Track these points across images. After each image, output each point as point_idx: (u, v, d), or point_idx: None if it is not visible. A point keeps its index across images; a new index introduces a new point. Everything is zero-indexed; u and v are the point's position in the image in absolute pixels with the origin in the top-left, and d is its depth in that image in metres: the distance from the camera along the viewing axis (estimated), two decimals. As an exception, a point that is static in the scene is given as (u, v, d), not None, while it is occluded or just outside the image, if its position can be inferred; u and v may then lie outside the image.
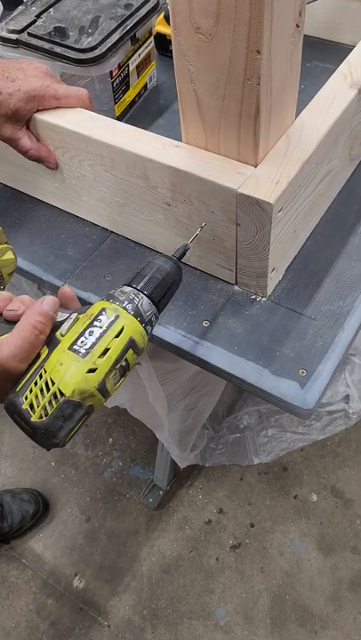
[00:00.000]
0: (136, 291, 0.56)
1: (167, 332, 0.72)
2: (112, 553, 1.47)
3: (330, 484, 1.52)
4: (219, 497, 1.53)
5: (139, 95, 1.01)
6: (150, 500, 1.52)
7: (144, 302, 0.56)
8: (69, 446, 1.61)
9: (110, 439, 1.64)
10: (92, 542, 1.48)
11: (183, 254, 0.64)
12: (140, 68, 0.98)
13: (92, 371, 0.50)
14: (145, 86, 1.02)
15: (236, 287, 0.75)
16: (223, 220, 0.67)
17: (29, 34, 0.87)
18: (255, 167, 0.65)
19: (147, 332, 0.55)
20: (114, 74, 0.91)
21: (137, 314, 0.54)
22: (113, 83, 0.92)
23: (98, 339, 0.51)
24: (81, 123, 0.73)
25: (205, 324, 0.72)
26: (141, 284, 0.57)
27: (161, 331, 0.72)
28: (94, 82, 0.92)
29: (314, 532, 1.46)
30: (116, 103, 0.95)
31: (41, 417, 0.48)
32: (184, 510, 1.51)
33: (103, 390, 0.50)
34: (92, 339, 0.50)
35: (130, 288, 0.57)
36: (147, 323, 0.55)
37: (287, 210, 0.66)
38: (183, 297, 0.75)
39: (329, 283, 0.75)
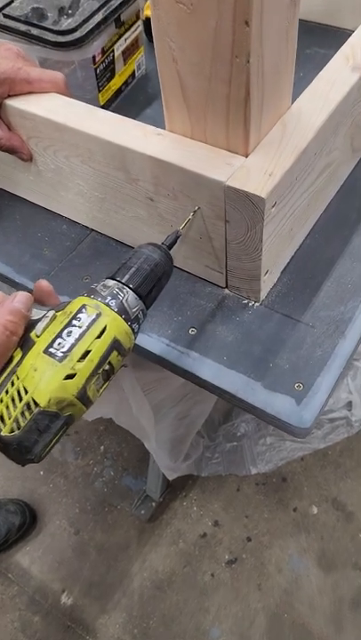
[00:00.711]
0: (120, 284, 0.49)
1: (149, 340, 0.65)
2: (102, 568, 1.40)
3: (331, 497, 1.45)
4: (214, 509, 1.46)
5: (126, 84, 0.95)
6: (142, 511, 1.45)
7: (130, 297, 0.49)
8: (59, 454, 1.55)
9: (102, 447, 1.57)
10: (80, 556, 1.41)
11: (174, 242, 0.57)
12: (127, 54, 0.91)
13: (70, 377, 0.44)
14: (133, 74, 0.95)
15: (227, 291, 0.69)
16: (211, 217, 0.60)
17: (5, 15, 0.80)
18: (246, 157, 0.58)
19: (133, 330, 0.49)
20: (97, 59, 0.84)
21: (122, 310, 0.48)
22: (96, 69, 0.85)
23: (77, 340, 0.45)
24: (55, 109, 0.66)
25: (192, 331, 0.66)
26: (127, 276, 0.50)
27: (143, 339, 0.66)
28: (77, 69, 0.86)
29: (314, 547, 1.39)
30: (100, 91, 0.89)
31: (12, 430, 0.43)
32: (178, 523, 1.44)
33: (84, 398, 0.44)
34: (71, 340, 0.45)
35: (113, 281, 0.50)
36: (133, 320, 0.49)
37: (282, 205, 0.60)
38: (168, 301, 0.68)
39: (329, 286, 0.68)
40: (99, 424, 1.60)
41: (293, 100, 0.63)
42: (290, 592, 1.34)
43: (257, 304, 0.67)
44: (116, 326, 0.47)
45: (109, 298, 0.48)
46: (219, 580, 1.36)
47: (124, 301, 0.49)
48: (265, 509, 1.45)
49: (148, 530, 1.44)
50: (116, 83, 0.92)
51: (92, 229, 0.77)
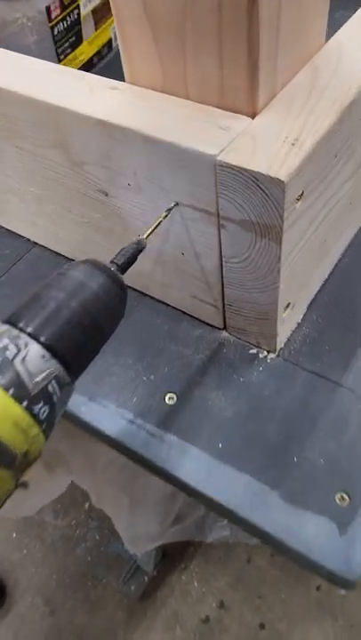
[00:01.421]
0: (17, 332, 0.28)
1: (102, 412, 0.42)
2: (81, 659, 1.14)
3: (363, 571, 1.18)
4: (220, 586, 1.20)
5: (99, 56, 0.72)
6: (132, 587, 1.19)
7: (30, 356, 0.28)
8: (35, 513, 1.30)
9: (86, 504, 1.32)
10: (56, 643, 1.16)
11: (132, 259, 0.34)
12: (100, 14, 0.69)
13: None
14: (109, 43, 0.73)
15: (225, 334, 0.45)
16: (195, 219, 0.37)
17: None
18: (252, 118, 0.35)
19: (37, 418, 0.27)
20: (53, 15, 0.62)
21: (10, 382, 0.27)
22: (53, 29, 0.63)
23: None
24: None
25: (170, 399, 0.42)
26: (34, 319, 0.29)
27: (91, 410, 0.42)
28: (25, 28, 0.64)
29: (343, 636, 1.12)
30: (60, 62, 0.66)
31: None
32: (175, 603, 1.18)
33: None
34: None
35: (6, 327, 0.29)
36: (35, 399, 0.27)
37: (313, 198, 0.36)
38: (133, 350, 0.45)
39: (383, 328, 0.44)
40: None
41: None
42: None
43: (272, 355, 0.43)
44: None
45: None
46: None
47: (16, 364, 0.27)
48: (282, 587, 1.18)
49: (138, 611, 1.18)
50: (84, 52, 0.69)
51: (35, 243, 0.54)
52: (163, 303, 0.47)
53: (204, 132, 0.34)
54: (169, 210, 0.37)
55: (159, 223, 0.36)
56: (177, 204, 0.37)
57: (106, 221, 0.44)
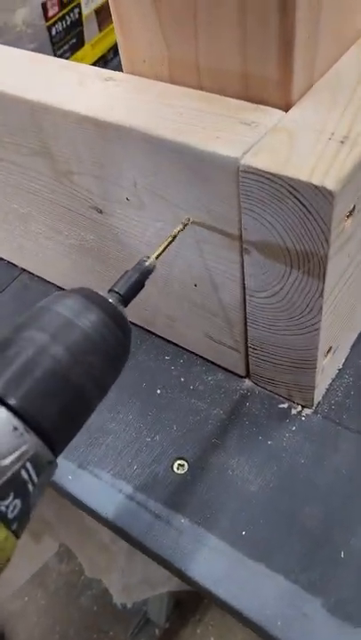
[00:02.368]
0: None
1: (94, 484, 0.33)
2: None
3: None
4: (238, 641, 1.09)
5: (103, 60, 0.66)
6: (142, 641, 1.09)
7: None
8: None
9: (93, 546, 1.23)
10: None
11: (137, 288, 0.26)
12: (105, 15, 0.63)
13: None
14: (115, 47, 0.67)
15: (248, 383, 0.36)
16: (213, 241, 0.29)
17: None
18: (286, 111, 0.27)
19: (4, 519, 0.20)
20: (51, 14, 0.56)
21: None
22: (51, 29, 0.57)
23: None
24: None
25: (179, 467, 0.33)
26: (3, 376, 0.21)
27: (80, 481, 0.33)
28: (23, 37, 0.57)
29: None
30: (59, 66, 0.59)
31: None
32: (189, 660, 1.08)
33: None
34: None
35: None
36: (1, 491, 0.20)
37: (366, 214, 0.28)
38: (135, 401, 0.36)
39: None
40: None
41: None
42: None
43: (308, 411, 0.35)
44: None
45: None
46: None
47: None
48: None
49: (148, 668, 1.08)
50: (86, 55, 0.63)
51: (23, 269, 0.46)
52: (171, 343, 0.39)
53: (223, 129, 0.26)
54: (184, 225, 0.28)
55: (171, 241, 0.28)
56: (190, 221, 0.28)
57: (101, 244, 0.36)
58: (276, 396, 0.35)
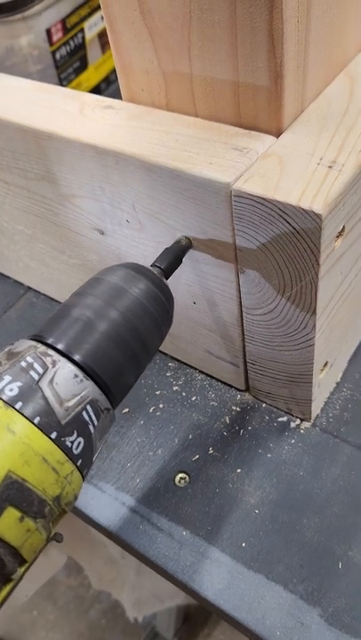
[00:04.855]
0: (44, 349, 0.23)
1: (98, 497, 0.34)
2: None
3: None
4: (247, 655, 1.08)
5: (106, 82, 0.67)
6: (151, 655, 1.09)
7: (59, 377, 0.22)
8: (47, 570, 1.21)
9: (102, 559, 1.23)
10: None
11: (176, 263, 0.29)
12: (107, 39, 0.64)
13: None
14: (117, 70, 0.68)
15: (248, 397, 0.37)
16: (207, 262, 0.30)
17: None
18: (276, 136, 0.28)
19: (70, 453, 0.22)
20: (55, 39, 0.58)
21: (36, 409, 0.22)
22: (55, 54, 0.58)
23: None
24: None
25: (181, 480, 0.34)
26: (67, 335, 0.24)
27: (84, 493, 0.34)
28: (28, 59, 0.59)
29: None
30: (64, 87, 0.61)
31: None
32: (198, 674, 1.07)
33: None
34: None
35: (31, 343, 0.24)
36: (66, 428, 0.22)
37: (357, 233, 0.29)
38: (136, 416, 0.37)
39: None
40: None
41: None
42: None
43: (306, 424, 0.35)
44: (13, 447, 0.21)
45: (9, 379, 0.22)
46: None
47: (43, 385, 0.22)
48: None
49: None
50: (90, 78, 0.64)
51: (29, 287, 0.47)
52: (172, 358, 0.40)
53: (216, 155, 0.27)
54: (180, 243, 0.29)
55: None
56: (187, 240, 0.30)
57: (103, 263, 0.37)
58: (275, 410, 0.36)
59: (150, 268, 0.27)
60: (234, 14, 0.25)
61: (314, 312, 0.28)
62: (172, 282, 0.33)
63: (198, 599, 0.31)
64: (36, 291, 0.46)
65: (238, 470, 0.34)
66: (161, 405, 0.38)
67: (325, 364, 0.33)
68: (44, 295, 0.46)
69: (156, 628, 1.11)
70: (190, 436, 0.36)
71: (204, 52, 0.27)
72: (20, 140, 0.34)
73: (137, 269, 0.26)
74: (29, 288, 0.47)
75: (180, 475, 0.34)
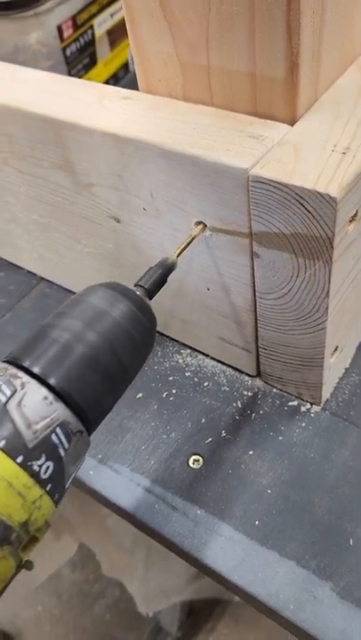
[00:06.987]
0: (15, 371, 0.23)
1: (114, 479, 0.35)
2: None
3: None
4: (251, 649, 1.09)
5: (115, 78, 0.68)
6: (155, 649, 1.09)
7: (28, 399, 0.22)
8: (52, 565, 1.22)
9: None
10: None
11: (160, 283, 0.29)
12: (116, 35, 0.65)
13: None
14: (126, 66, 0.69)
15: (259, 382, 0.38)
16: (223, 247, 0.31)
17: None
18: (291, 124, 0.29)
19: (37, 477, 0.22)
20: (65, 35, 0.58)
21: (2, 432, 0.22)
22: (65, 50, 0.59)
23: None
24: None
25: (195, 462, 0.35)
26: (43, 358, 0.24)
27: (101, 475, 0.35)
28: (38, 55, 0.60)
29: None
30: (74, 85, 0.62)
31: None
32: (201, 668, 1.08)
33: None
34: None
35: (2, 365, 0.24)
36: (34, 452, 0.22)
37: (368, 219, 0.30)
38: (151, 400, 0.38)
39: None
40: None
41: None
42: None
43: (316, 408, 0.36)
44: None
45: None
46: None
47: (10, 408, 0.22)
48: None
49: None
50: (99, 74, 0.65)
51: (42, 277, 0.48)
52: (184, 345, 0.41)
53: (233, 142, 0.28)
54: (203, 225, 0.30)
55: (190, 241, 0.30)
56: (204, 226, 0.31)
57: (118, 252, 0.38)
58: (286, 394, 0.37)
59: (133, 288, 0.27)
60: (252, 5, 0.26)
61: (327, 295, 0.29)
62: (186, 268, 0.34)
63: (213, 576, 0.32)
64: (49, 281, 0.47)
65: (250, 452, 0.35)
66: (174, 391, 0.39)
67: (336, 349, 0.34)
68: (57, 285, 0.47)
69: (160, 622, 1.11)
70: (203, 420, 0.37)
71: (222, 44, 0.28)
72: (37, 129, 0.34)
73: (119, 290, 0.26)
74: (42, 278, 0.48)
75: (194, 457, 0.35)
